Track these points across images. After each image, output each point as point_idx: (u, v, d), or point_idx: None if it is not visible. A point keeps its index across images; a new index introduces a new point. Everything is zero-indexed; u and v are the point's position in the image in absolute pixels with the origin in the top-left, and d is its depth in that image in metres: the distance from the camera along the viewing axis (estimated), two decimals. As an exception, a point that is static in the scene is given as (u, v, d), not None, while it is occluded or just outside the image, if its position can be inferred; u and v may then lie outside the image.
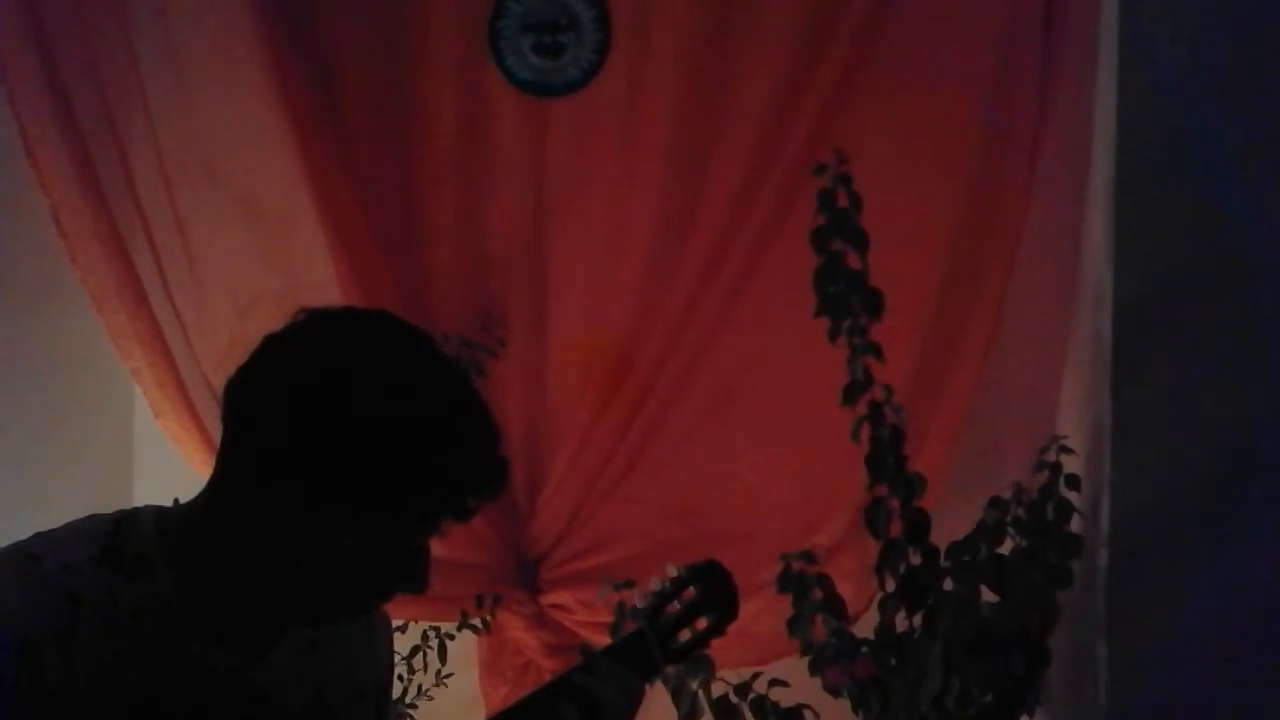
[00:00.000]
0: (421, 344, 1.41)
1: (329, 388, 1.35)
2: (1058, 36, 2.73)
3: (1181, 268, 2.48)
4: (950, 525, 2.55)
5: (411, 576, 1.41)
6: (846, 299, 2.50)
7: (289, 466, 1.35)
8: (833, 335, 2.51)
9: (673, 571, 2.12)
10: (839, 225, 2.50)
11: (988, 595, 2.51)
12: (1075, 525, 2.51)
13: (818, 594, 2.57)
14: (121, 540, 1.40)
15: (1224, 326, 2.46)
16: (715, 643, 2.15)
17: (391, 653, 1.61)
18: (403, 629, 2.68)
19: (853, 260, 2.51)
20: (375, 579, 1.41)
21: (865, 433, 2.52)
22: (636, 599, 2.17)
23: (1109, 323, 2.49)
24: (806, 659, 2.57)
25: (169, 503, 1.46)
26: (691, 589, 2.09)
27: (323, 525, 1.36)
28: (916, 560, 2.51)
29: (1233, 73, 2.45)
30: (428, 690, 2.81)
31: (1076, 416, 2.63)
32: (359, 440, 1.34)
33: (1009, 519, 2.50)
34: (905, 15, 2.79)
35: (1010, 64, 2.76)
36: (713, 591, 2.09)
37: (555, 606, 2.93)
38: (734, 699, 2.59)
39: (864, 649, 2.54)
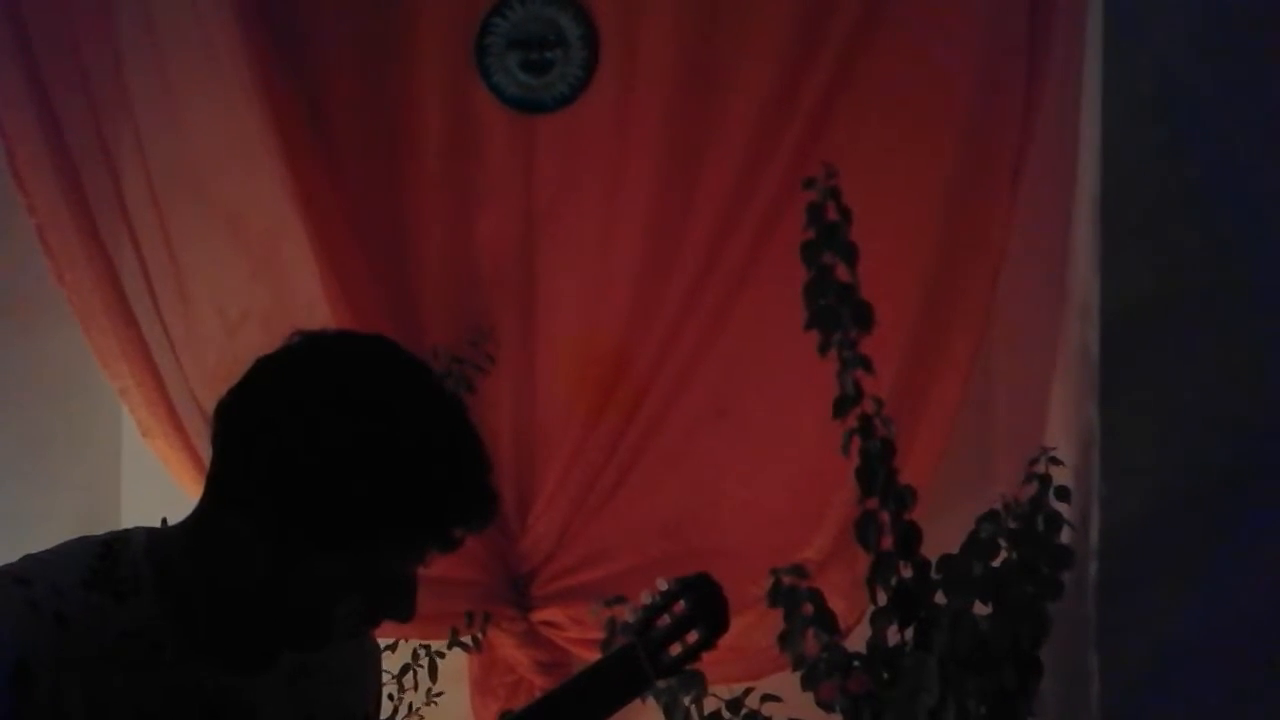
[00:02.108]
0: (416, 373, 1.40)
1: (318, 413, 1.34)
2: (1043, 48, 2.74)
3: (1168, 279, 2.48)
4: (939, 538, 2.55)
5: (396, 605, 1.40)
6: (837, 312, 2.50)
7: (275, 490, 1.34)
8: (823, 348, 2.52)
9: (663, 585, 2.12)
10: (829, 238, 2.50)
11: (979, 608, 2.51)
12: (1065, 537, 2.51)
13: (808, 608, 2.56)
14: (111, 562, 1.39)
15: (1211, 337, 2.47)
16: (707, 658, 2.15)
17: (380, 683, 1.60)
18: (393, 647, 2.67)
19: (842, 273, 2.51)
20: (359, 606, 1.40)
21: (855, 446, 2.52)
22: (628, 614, 2.18)
23: (1096, 334, 2.50)
24: (799, 673, 2.56)
25: (157, 523, 1.46)
26: (682, 602, 2.09)
27: (308, 550, 1.35)
28: (908, 573, 2.51)
29: (1218, 84, 2.46)
30: (418, 709, 2.80)
31: (1065, 428, 2.63)
32: (346, 468, 1.33)
33: (1000, 531, 2.50)
34: (891, 30, 2.80)
35: (995, 76, 2.76)
36: (703, 604, 2.09)
37: (546, 623, 2.92)
38: (726, 714, 2.58)
39: (856, 663, 2.53)
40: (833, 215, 2.51)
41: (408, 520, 1.36)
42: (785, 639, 2.56)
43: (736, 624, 2.17)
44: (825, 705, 2.55)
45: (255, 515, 1.35)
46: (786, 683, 2.59)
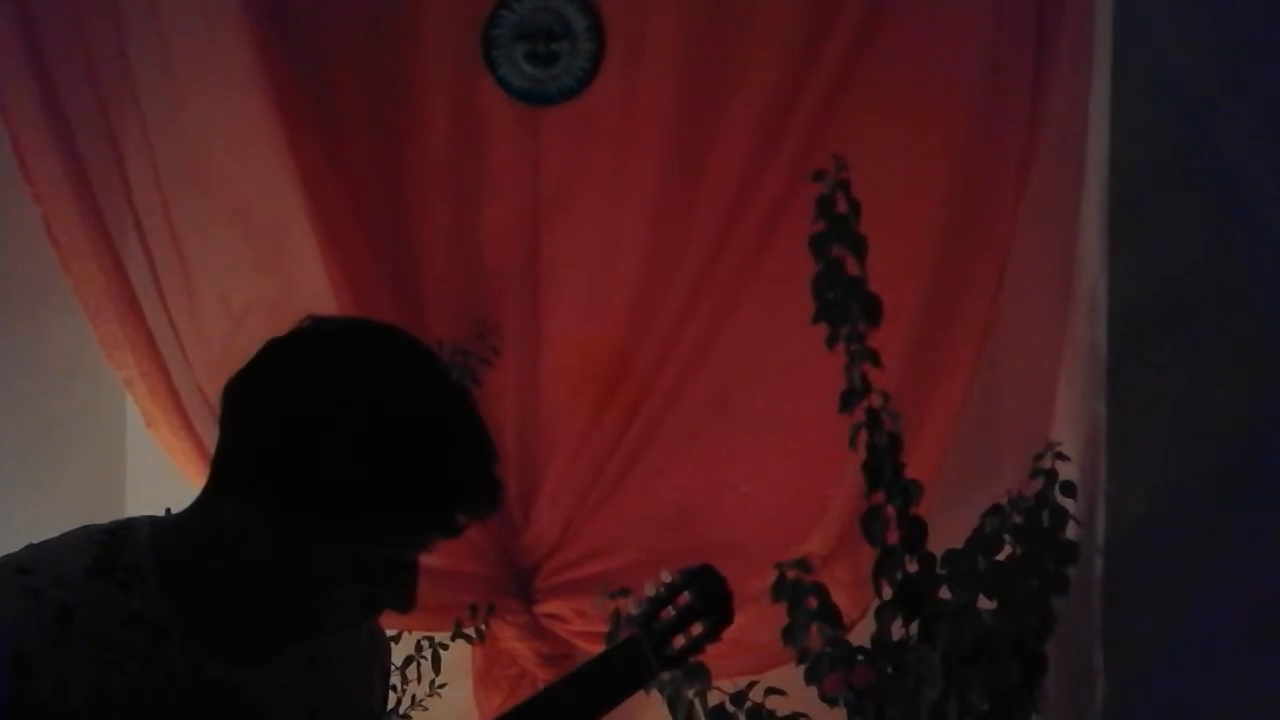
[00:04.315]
0: (423, 358, 1.40)
1: (325, 397, 1.34)
2: (1051, 44, 2.73)
3: (1176, 275, 2.48)
4: (945, 532, 2.55)
5: (399, 593, 1.39)
6: (845, 305, 2.50)
7: (279, 473, 1.34)
8: (831, 342, 2.51)
9: (666, 577, 2.12)
10: (838, 231, 2.50)
11: (984, 603, 2.50)
12: (1071, 532, 2.51)
13: (812, 602, 2.56)
14: (115, 551, 1.39)
15: (1218, 333, 2.46)
16: (711, 651, 2.15)
17: (388, 681, 1.60)
18: (397, 638, 2.67)
19: (851, 266, 2.51)
20: (361, 592, 1.39)
21: (862, 440, 2.52)
22: (631, 606, 2.18)
23: (1104, 330, 2.49)
24: (803, 667, 2.56)
25: (161, 513, 1.46)
26: (686, 594, 2.09)
27: (311, 534, 1.35)
28: (913, 568, 2.51)
29: (1227, 81, 2.45)
30: (421, 700, 2.80)
31: (1072, 423, 2.63)
32: (351, 451, 1.33)
33: (1006, 526, 2.49)
34: (898, 22, 2.79)
35: (1003, 72, 2.76)
36: (707, 596, 2.09)
37: (550, 616, 2.92)
38: (730, 707, 2.58)
39: (860, 657, 2.53)
40: (842, 208, 2.50)
41: (412, 505, 1.35)
42: (789, 633, 2.56)
43: (740, 618, 2.17)
44: (829, 699, 2.55)
45: (258, 499, 1.35)
46: (790, 676, 2.59)
